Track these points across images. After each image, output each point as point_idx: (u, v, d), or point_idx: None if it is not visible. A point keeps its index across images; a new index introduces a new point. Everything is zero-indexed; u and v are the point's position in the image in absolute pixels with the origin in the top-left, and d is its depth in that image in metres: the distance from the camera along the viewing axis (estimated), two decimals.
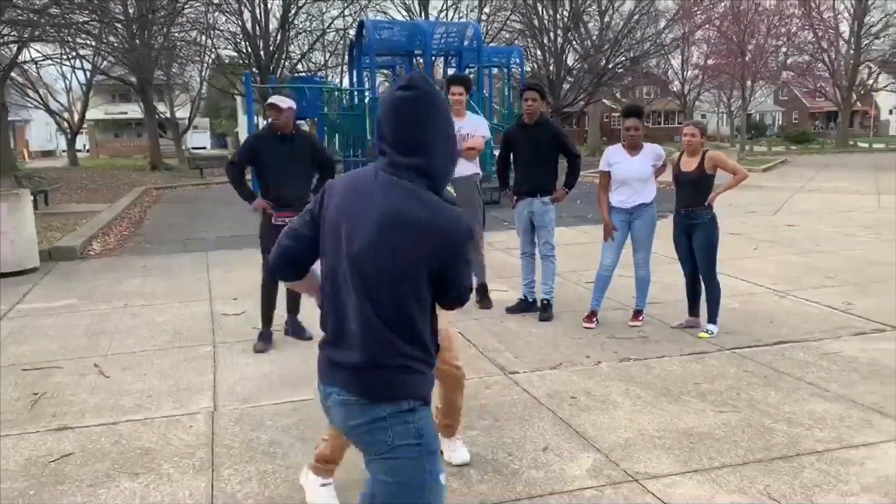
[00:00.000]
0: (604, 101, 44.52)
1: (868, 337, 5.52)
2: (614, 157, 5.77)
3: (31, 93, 33.27)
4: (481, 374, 4.84)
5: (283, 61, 30.75)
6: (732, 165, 5.58)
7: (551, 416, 4.13)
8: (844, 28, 40.66)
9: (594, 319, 5.95)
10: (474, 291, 6.80)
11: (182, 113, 38.63)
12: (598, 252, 6.09)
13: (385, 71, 22.79)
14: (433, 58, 16.92)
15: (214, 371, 5.06)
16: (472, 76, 17.26)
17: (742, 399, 4.34)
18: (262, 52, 29.58)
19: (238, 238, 11.22)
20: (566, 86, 33.82)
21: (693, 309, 5.87)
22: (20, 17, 16.12)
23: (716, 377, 4.72)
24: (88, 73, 33.98)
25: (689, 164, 5.53)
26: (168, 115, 35.66)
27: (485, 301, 6.66)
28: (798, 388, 4.49)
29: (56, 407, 4.45)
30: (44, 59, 25.75)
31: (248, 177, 6.65)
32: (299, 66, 32.56)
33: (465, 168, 6.46)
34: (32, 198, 10.91)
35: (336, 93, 21.33)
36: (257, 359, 5.33)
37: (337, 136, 19.67)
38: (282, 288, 5.73)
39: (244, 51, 31.06)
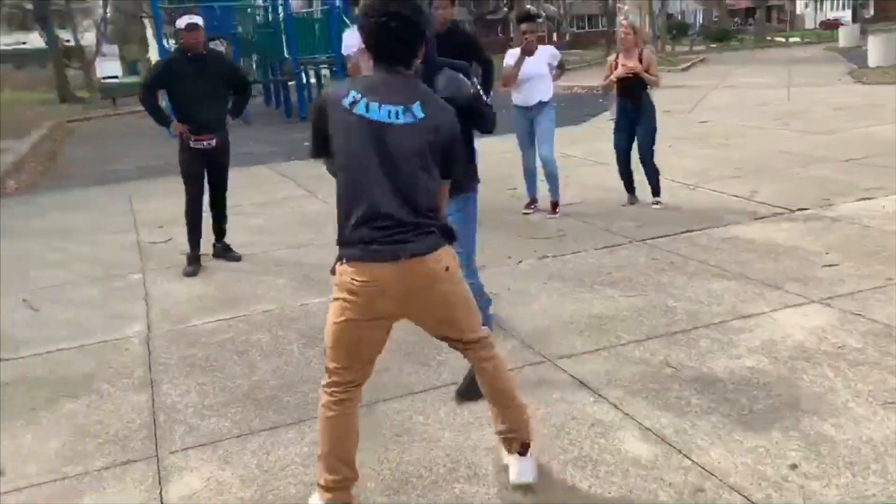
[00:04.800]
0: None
1: (767, 220, 5.92)
2: (511, 59, 6.13)
3: None
4: None
5: None
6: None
7: None
8: None
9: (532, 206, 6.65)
10: None
11: (87, 40, 36.54)
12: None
13: None
14: None
15: (146, 297, 5.13)
16: None
17: (650, 284, 4.67)
18: None
19: (155, 168, 11.00)
20: None
21: (630, 187, 6.70)
22: None
23: (626, 266, 5.04)
24: None
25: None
26: (72, 42, 33.72)
27: None
28: (701, 270, 4.85)
29: None
30: None
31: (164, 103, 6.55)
32: None
33: None
34: None
35: (249, 10, 20.53)
36: (188, 283, 5.41)
37: (254, 56, 19.02)
38: (207, 212, 5.78)
39: None
